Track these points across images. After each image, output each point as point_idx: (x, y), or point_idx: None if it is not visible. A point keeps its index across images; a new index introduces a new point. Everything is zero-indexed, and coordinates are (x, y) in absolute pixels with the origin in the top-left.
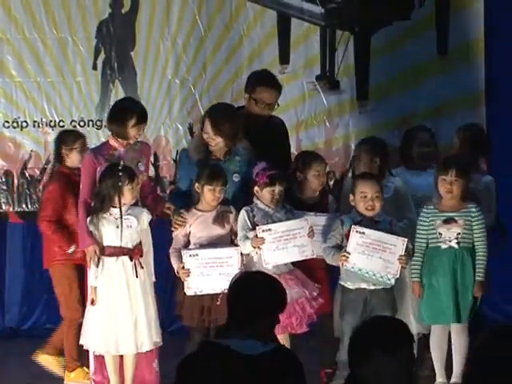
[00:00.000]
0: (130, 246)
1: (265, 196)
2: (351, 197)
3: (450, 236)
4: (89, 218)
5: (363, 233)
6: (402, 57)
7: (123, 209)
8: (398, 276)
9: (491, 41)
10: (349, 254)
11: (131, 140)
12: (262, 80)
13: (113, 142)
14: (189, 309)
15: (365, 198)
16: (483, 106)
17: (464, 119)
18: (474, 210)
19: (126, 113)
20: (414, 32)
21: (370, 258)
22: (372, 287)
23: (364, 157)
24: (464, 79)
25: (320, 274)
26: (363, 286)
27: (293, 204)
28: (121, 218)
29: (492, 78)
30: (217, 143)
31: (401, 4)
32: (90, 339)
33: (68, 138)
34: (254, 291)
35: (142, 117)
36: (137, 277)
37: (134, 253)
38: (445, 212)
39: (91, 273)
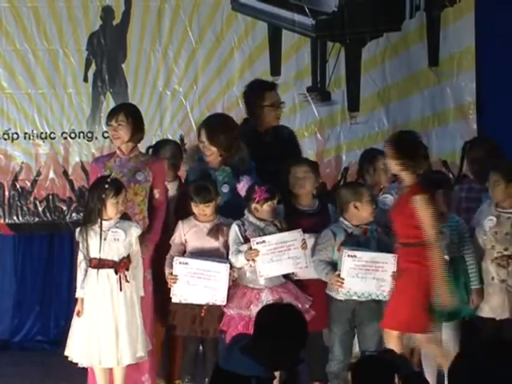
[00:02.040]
0: (116, 259)
1: (265, 210)
2: (352, 209)
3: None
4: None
5: (355, 256)
6: (393, 68)
7: (111, 222)
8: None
9: (482, 51)
10: (343, 279)
11: (113, 140)
12: (265, 85)
13: (118, 150)
14: (181, 318)
15: (370, 202)
16: (474, 117)
17: (455, 130)
18: (457, 219)
19: None
20: (404, 43)
21: (365, 280)
22: (363, 299)
23: (384, 167)
24: (455, 90)
25: (315, 287)
26: (353, 297)
27: (292, 215)
28: (100, 229)
29: (483, 88)
30: (212, 153)
31: (391, 15)
32: (75, 351)
33: None
34: (271, 320)
35: (110, 112)
36: (121, 290)
37: (119, 266)
38: None
39: (77, 284)
